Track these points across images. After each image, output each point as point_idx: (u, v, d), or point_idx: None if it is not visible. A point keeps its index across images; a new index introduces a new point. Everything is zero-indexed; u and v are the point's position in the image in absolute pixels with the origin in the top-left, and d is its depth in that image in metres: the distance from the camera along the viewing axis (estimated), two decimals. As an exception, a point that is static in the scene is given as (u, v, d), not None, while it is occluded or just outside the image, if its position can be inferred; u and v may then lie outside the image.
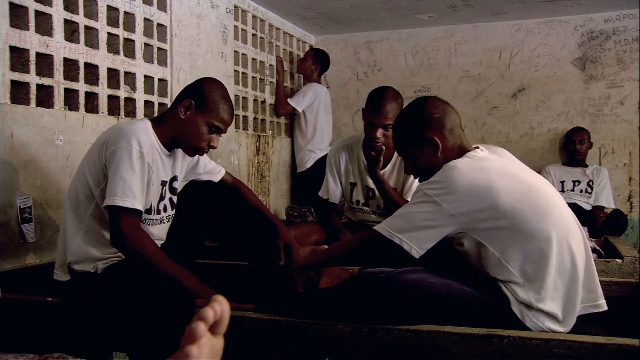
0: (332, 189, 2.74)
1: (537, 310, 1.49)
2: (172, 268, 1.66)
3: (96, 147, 1.77)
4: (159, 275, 1.63)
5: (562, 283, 1.50)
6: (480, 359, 1.40)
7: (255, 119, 4.06)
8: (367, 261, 1.80)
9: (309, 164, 4.29)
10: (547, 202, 1.54)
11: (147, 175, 1.73)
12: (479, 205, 1.49)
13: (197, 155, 1.94)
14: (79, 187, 1.77)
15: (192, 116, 1.80)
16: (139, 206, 1.68)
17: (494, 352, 1.39)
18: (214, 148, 1.86)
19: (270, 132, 4.29)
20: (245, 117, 3.91)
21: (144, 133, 1.75)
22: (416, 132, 1.65)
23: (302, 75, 4.55)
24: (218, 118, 1.81)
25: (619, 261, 2.39)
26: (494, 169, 1.55)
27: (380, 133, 2.44)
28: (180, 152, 1.92)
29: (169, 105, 3.02)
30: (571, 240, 1.53)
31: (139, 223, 1.71)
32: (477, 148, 1.65)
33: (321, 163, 4.03)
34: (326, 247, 2.17)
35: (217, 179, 2.12)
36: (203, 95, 1.81)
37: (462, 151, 1.64)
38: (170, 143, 1.85)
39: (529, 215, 1.49)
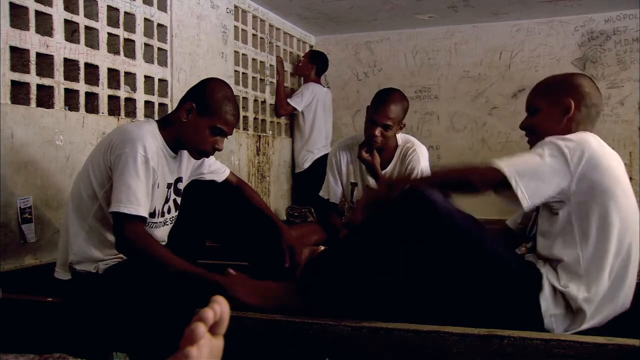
0: (333, 189, 2.74)
1: (565, 314, 1.48)
2: (184, 266, 1.65)
3: (101, 148, 1.76)
4: (159, 275, 1.64)
5: (597, 298, 1.49)
6: (480, 359, 1.40)
7: (255, 119, 4.06)
8: (466, 192, 1.63)
9: (307, 164, 4.30)
10: (635, 222, 1.53)
11: (152, 179, 1.72)
12: (598, 180, 1.46)
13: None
14: (82, 187, 1.77)
15: (194, 119, 1.77)
16: (143, 212, 1.67)
17: (494, 352, 1.38)
18: (219, 150, 1.84)
19: (270, 132, 4.29)
20: (245, 117, 3.91)
21: (151, 136, 1.73)
22: (559, 91, 1.61)
23: (302, 76, 4.57)
24: (220, 120, 1.78)
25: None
26: (620, 163, 1.53)
27: (378, 131, 2.45)
28: (186, 152, 1.91)
29: (169, 106, 3.03)
30: (634, 267, 1.52)
31: (143, 229, 1.70)
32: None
33: (319, 163, 4.04)
34: (324, 247, 2.18)
35: (220, 179, 2.11)
36: (205, 98, 1.78)
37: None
38: (176, 145, 1.84)
39: (628, 224, 1.48)
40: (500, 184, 1.47)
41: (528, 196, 1.45)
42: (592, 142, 1.49)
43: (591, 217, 1.48)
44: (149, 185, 1.71)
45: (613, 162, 1.50)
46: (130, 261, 1.76)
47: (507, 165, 1.48)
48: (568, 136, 1.51)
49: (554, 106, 1.61)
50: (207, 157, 1.90)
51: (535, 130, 1.67)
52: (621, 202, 1.48)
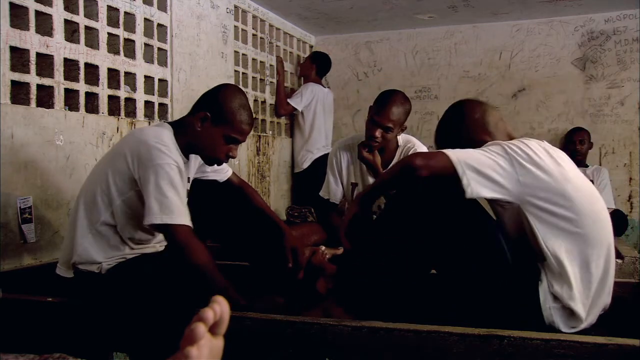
0: (333, 189, 2.74)
1: (563, 307, 1.49)
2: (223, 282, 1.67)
3: (122, 156, 1.71)
4: (159, 276, 1.64)
5: (590, 293, 1.51)
6: (480, 359, 1.40)
7: (255, 118, 4.05)
8: (409, 177, 1.65)
9: (306, 164, 4.30)
10: (602, 209, 1.54)
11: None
12: (547, 185, 1.47)
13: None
14: (99, 192, 1.74)
15: (208, 128, 1.76)
16: (186, 220, 1.66)
17: (494, 352, 1.38)
18: (233, 158, 1.83)
19: (270, 132, 4.29)
20: (245, 117, 3.91)
21: (172, 144, 1.72)
22: (462, 136, 1.65)
23: (303, 76, 4.58)
24: (235, 130, 1.77)
25: (619, 261, 2.39)
26: (568, 162, 1.55)
27: (378, 132, 2.45)
28: (193, 154, 1.90)
29: (169, 106, 3.03)
30: (611, 250, 1.53)
31: (191, 233, 1.68)
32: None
33: (318, 163, 4.05)
34: (324, 247, 2.18)
35: (223, 178, 2.11)
36: (219, 107, 1.76)
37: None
38: (187, 150, 1.83)
39: (588, 217, 1.49)
40: (446, 170, 1.50)
41: (473, 185, 1.47)
42: (533, 145, 1.51)
43: (544, 217, 1.49)
44: (184, 190, 1.72)
45: (556, 164, 1.51)
46: (132, 262, 1.76)
47: (454, 154, 1.51)
48: (517, 143, 1.53)
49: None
50: (220, 164, 1.89)
51: None
52: (573, 199, 1.48)
